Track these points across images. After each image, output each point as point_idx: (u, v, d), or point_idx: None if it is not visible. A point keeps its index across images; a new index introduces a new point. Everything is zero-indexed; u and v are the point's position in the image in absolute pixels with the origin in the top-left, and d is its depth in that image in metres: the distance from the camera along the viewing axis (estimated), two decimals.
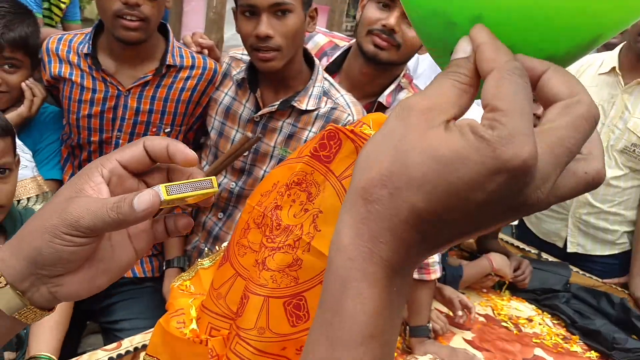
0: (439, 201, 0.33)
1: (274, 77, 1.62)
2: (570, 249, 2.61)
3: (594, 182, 0.37)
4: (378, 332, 0.36)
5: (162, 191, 0.50)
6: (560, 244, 2.65)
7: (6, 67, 1.68)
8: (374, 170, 0.36)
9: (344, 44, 1.92)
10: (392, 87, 1.76)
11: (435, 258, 1.65)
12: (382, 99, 1.75)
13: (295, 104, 1.61)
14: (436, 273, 1.65)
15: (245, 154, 1.63)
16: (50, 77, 1.70)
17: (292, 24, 1.52)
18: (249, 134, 1.61)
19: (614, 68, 2.43)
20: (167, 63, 1.69)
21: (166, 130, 1.73)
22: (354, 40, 1.84)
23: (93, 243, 0.51)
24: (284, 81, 1.63)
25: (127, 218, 0.49)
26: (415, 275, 1.62)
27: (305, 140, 1.63)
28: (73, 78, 1.67)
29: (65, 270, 0.51)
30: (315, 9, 1.62)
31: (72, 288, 0.52)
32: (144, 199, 0.49)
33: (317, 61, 1.68)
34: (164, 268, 1.80)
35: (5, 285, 0.49)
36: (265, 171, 1.69)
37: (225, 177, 1.73)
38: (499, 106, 0.34)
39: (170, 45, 1.71)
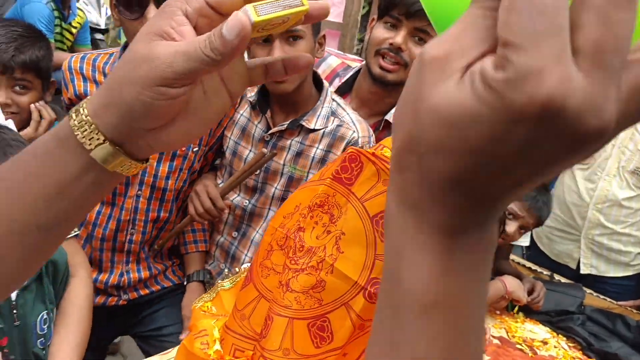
0: (464, 163, 0.30)
1: (284, 99, 1.67)
2: (584, 270, 2.61)
3: None
4: (440, 299, 0.33)
5: (251, 12, 0.44)
6: (573, 266, 2.65)
7: (17, 88, 1.71)
8: (399, 136, 0.33)
9: (355, 64, 1.96)
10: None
11: None
12: (390, 117, 1.78)
13: (303, 124, 1.66)
14: None
15: (256, 172, 1.66)
16: (73, 96, 1.71)
17: (302, 50, 1.57)
18: (265, 150, 1.64)
19: None
20: None
21: (194, 150, 1.76)
22: (364, 62, 1.87)
23: (186, 94, 0.47)
24: (294, 103, 1.68)
25: (222, 50, 0.43)
26: None
27: (313, 158, 1.67)
28: None
29: (160, 123, 0.48)
30: (324, 36, 1.67)
31: (170, 138, 0.50)
32: (232, 23, 0.43)
33: (325, 84, 1.73)
34: (185, 282, 1.81)
35: (104, 141, 0.48)
36: (275, 188, 1.71)
37: (238, 195, 1.76)
38: (509, 39, 0.27)
39: None
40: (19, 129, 1.74)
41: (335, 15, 3.31)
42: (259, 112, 1.72)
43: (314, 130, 1.66)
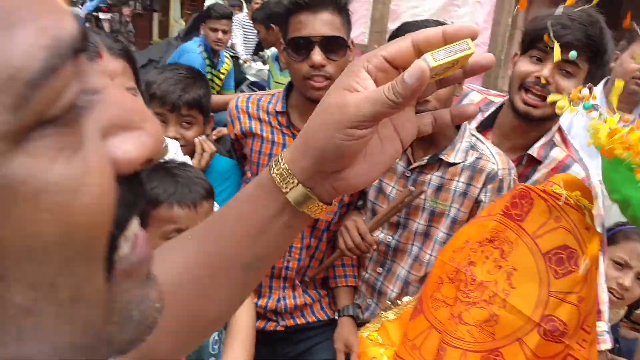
0: None
1: (424, 136, 1.69)
2: None
3: None
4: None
5: (429, 59, 0.51)
6: None
7: (184, 124, 1.89)
8: None
9: (498, 100, 1.94)
10: (544, 140, 1.74)
11: (604, 327, 1.57)
12: (533, 151, 1.73)
13: (443, 157, 1.67)
14: (606, 343, 1.57)
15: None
16: (239, 132, 1.86)
17: (447, 90, 1.59)
18: (412, 188, 1.67)
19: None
20: None
21: None
22: (507, 96, 1.85)
23: (369, 135, 0.54)
24: (433, 138, 1.69)
25: (403, 93, 0.50)
26: None
27: (455, 191, 1.67)
28: (263, 134, 1.81)
29: (345, 165, 0.56)
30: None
31: (351, 181, 0.57)
32: (413, 69, 0.50)
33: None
34: (337, 317, 1.87)
35: (297, 184, 0.56)
36: (418, 224, 1.72)
37: (382, 231, 1.79)
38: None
39: None
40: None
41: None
42: None
43: (453, 164, 1.67)
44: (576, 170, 1.68)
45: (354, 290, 1.91)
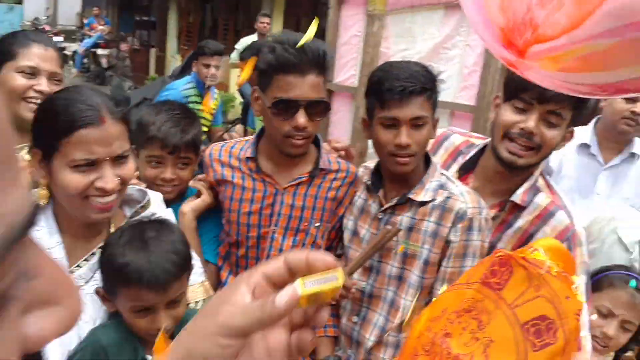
0: None
1: (396, 177, 1.70)
2: None
3: None
4: None
5: (299, 286, 0.56)
6: None
7: (180, 164, 1.90)
8: None
9: (480, 142, 1.93)
10: (527, 185, 1.72)
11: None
12: (517, 198, 1.71)
13: (412, 197, 1.68)
14: None
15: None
16: (213, 180, 1.88)
17: (426, 134, 1.65)
18: (389, 227, 1.65)
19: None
20: (320, 167, 1.81)
21: (316, 225, 1.83)
22: (489, 139, 1.84)
23: (240, 346, 0.57)
24: (405, 179, 1.70)
25: (271, 315, 0.55)
26: None
27: (426, 232, 1.65)
28: (234, 180, 1.84)
29: None
30: (438, 119, 1.71)
31: None
32: (282, 296, 0.55)
33: (433, 158, 1.75)
34: None
35: None
36: (392, 267, 1.70)
37: (354, 278, 1.76)
38: None
39: (322, 152, 1.84)
40: (174, 198, 1.90)
41: (469, 98, 3.31)
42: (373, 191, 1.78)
43: (423, 204, 1.67)
44: (560, 218, 1.67)
45: (334, 341, 1.86)
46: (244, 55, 4.61)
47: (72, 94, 1.31)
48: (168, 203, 1.68)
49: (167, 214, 1.55)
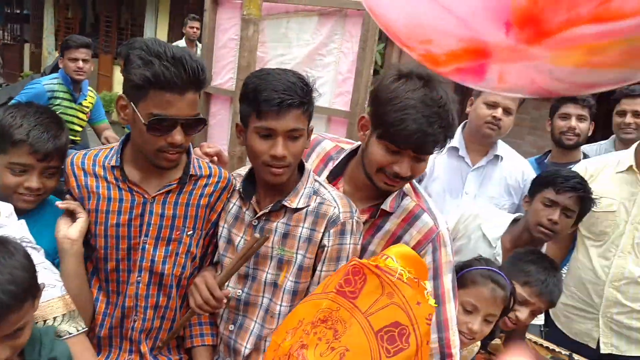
0: None
1: (270, 185, 1.71)
2: (604, 350, 2.53)
3: None
4: None
5: None
6: (592, 345, 2.57)
7: (47, 173, 1.77)
8: None
9: (348, 147, 1.97)
10: (395, 193, 1.78)
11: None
12: (386, 205, 1.76)
13: (286, 204, 1.68)
14: None
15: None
16: (76, 190, 1.75)
17: (301, 145, 1.65)
18: (257, 235, 1.64)
19: (631, 166, 2.47)
20: (190, 173, 1.76)
21: (188, 233, 1.78)
22: (357, 143, 1.88)
23: None
24: (278, 186, 1.70)
25: None
26: None
27: (300, 237, 1.67)
28: (99, 191, 1.73)
29: None
30: (312, 129, 1.72)
31: None
32: None
33: (307, 165, 1.78)
34: None
35: None
36: (267, 273, 1.70)
37: (228, 286, 1.74)
38: None
39: (192, 158, 1.79)
40: (33, 209, 1.76)
41: (344, 104, 3.37)
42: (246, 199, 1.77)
43: (297, 210, 1.69)
44: (425, 220, 1.73)
45: (212, 349, 1.82)
46: (121, 51, 4.40)
47: None
48: (19, 213, 1.56)
49: (18, 227, 1.44)
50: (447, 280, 1.72)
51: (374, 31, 3.31)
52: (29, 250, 1.31)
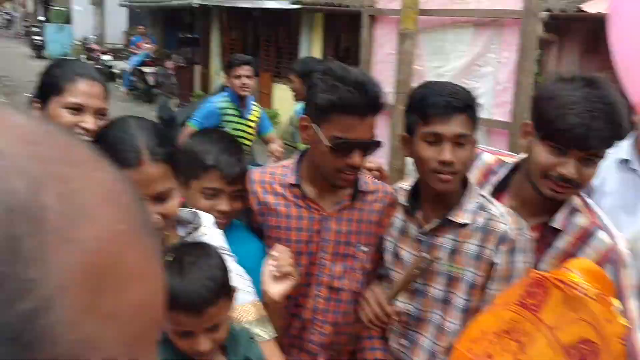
0: None
1: (435, 198, 1.70)
2: None
3: None
4: None
5: None
6: None
7: (234, 196, 1.79)
8: None
9: (510, 160, 1.91)
10: (566, 210, 1.69)
11: None
12: (557, 224, 1.68)
13: (452, 219, 1.66)
14: None
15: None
16: (256, 206, 1.85)
17: (468, 153, 1.63)
18: (426, 255, 1.65)
19: None
20: (360, 189, 1.82)
21: (364, 250, 1.82)
22: (520, 156, 1.82)
23: None
24: (443, 200, 1.69)
25: None
26: None
27: (468, 254, 1.64)
28: (278, 208, 1.82)
29: None
30: (477, 140, 1.70)
31: None
32: None
33: (470, 178, 1.74)
34: None
35: None
36: (437, 289, 1.69)
37: (401, 301, 1.76)
38: None
39: (359, 174, 1.84)
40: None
41: (503, 114, 3.29)
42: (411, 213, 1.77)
43: (464, 226, 1.66)
44: (601, 237, 1.62)
45: None
46: (295, 67, 4.64)
47: (117, 132, 1.33)
48: None
49: (217, 236, 1.59)
50: (633, 305, 1.57)
51: (533, 40, 3.21)
52: (225, 257, 1.45)
